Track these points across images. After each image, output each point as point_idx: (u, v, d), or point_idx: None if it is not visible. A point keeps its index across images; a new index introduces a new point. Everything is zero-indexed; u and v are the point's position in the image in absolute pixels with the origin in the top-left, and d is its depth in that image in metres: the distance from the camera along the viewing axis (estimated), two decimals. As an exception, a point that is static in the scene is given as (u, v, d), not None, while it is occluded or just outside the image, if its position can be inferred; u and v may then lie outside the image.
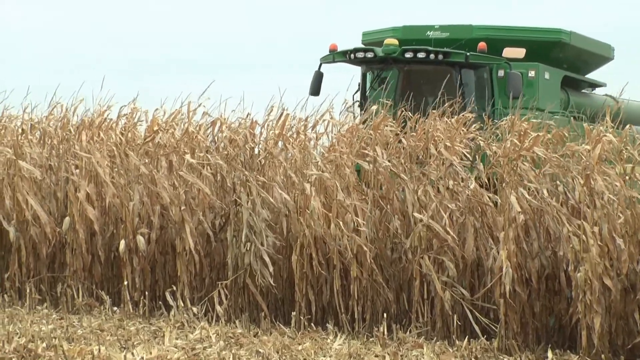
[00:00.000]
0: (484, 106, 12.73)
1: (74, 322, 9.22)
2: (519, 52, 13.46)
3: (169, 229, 10.53)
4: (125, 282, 10.05)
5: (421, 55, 12.91)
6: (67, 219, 10.56)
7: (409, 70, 13.52)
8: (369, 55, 13.19)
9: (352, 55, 13.33)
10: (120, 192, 10.60)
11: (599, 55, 15.51)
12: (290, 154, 10.55)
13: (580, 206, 8.88)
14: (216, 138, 11.25)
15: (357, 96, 13.72)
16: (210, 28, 35.83)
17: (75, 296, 10.05)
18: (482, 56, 13.19)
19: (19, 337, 8.19)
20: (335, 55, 13.55)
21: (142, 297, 9.90)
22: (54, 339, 8.21)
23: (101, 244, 10.62)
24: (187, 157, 10.55)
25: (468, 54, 12.99)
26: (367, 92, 13.58)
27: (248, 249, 9.77)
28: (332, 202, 9.75)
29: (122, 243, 10.24)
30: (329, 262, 9.67)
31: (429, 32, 13.99)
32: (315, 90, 13.76)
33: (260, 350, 8.19)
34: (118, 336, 8.58)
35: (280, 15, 36.41)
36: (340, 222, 9.56)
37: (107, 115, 11.44)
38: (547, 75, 13.68)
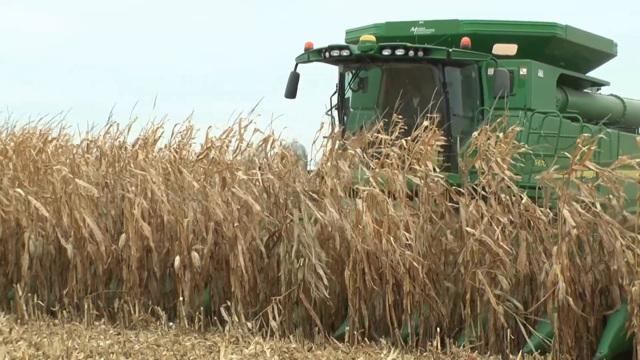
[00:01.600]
0: (472, 107, 12.26)
1: (131, 337, 9.36)
2: (510, 49, 12.45)
3: (223, 245, 10.66)
4: (181, 298, 10.17)
5: (400, 52, 11.94)
6: (123, 235, 10.73)
7: (393, 70, 12.70)
8: (345, 53, 12.20)
9: (327, 54, 12.31)
10: (175, 209, 10.76)
11: (600, 52, 14.40)
12: (341, 170, 10.63)
13: (633, 219, 8.88)
14: (268, 155, 11.43)
15: (335, 99, 12.74)
16: (257, 43, 36.00)
17: (132, 312, 10.19)
18: (465, 52, 12.15)
19: (77, 353, 8.35)
20: (310, 54, 12.51)
21: (197, 313, 10.01)
22: (111, 354, 8.36)
23: (156, 260, 10.78)
24: (240, 173, 10.68)
25: (450, 50, 12.00)
26: (346, 94, 12.73)
27: (301, 264, 9.85)
28: (383, 218, 9.81)
29: (177, 259, 10.36)
30: (381, 277, 9.69)
31: (413, 28, 12.99)
32: (291, 92, 12.80)
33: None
34: (174, 351, 8.70)
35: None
36: (392, 237, 9.62)
37: (161, 134, 11.67)
38: (540, 73, 12.85)
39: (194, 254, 10.36)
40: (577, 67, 14.00)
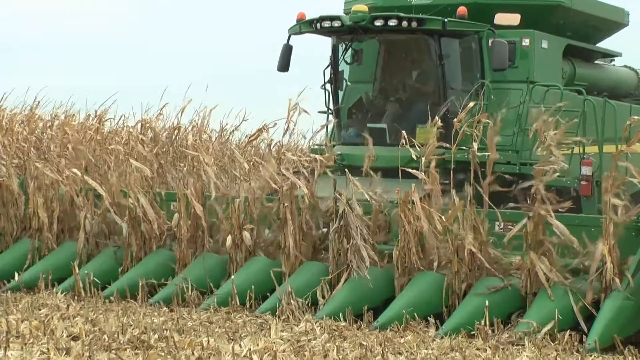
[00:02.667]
0: (472, 80, 11.90)
1: (184, 314, 9.57)
2: (513, 18, 11.98)
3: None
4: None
5: (392, 23, 11.46)
6: (175, 215, 10.95)
7: (388, 41, 12.30)
8: (336, 24, 11.76)
9: (318, 25, 11.92)
10: (227, 188, 10.94)
11: (610, 21, 13.85)
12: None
13: None
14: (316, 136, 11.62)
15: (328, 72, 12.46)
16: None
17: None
18: (462, 23, 11.75)
19: (132, 329, 8.56)
20: (302, 26, 12.12)
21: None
22: (165, 331, 8.57)
23: (208, 239, 10.98)
24: (289, 154, 10.81)
25: (446, 20, 11.59)
26: (340, 67, 12.44)
27: (350, 244, 9.92)
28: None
29: (229, 238, 10.57)
30: (427, 257, 9.71)
31: None
32: (284, 65, 12.48)
33: (363, 342, 8.36)
34: (226, 328, 8.88)
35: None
36: (439, 217, 9.64)
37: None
38: (544, 44, 12.35)
39: (245, 234, 10.55)
40: (586, 37, 13.53)
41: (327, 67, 12.32)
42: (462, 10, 11.71)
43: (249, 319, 9.37)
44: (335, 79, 12.30)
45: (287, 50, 12.36)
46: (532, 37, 12.13)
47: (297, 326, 8.98)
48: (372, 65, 12.48)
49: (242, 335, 8.60)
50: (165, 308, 9.96)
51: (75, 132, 13.56)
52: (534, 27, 12.27)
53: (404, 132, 10.74)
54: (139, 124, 12.79)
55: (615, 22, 14.00)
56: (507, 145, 11.64)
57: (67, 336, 8.14)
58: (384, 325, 9.02)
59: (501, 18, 11.93)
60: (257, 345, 8.02)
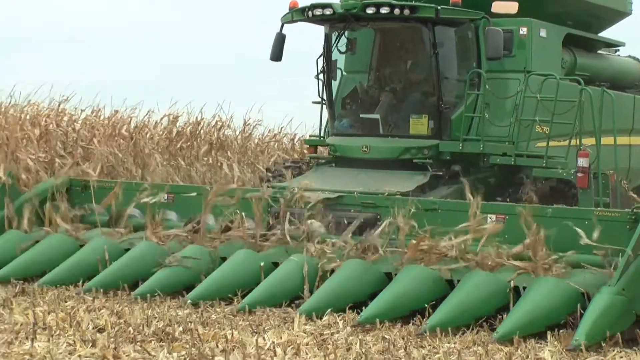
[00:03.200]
0: (468, 70, 11.75)
1: (208, 307, 9.65)
2: (511, 7, 11.78)
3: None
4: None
5: (384, 10, 11.31)
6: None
7: (383, 30, 12.18)
8: (328, 12, 11.62)
9: (309, 13, 11.79)
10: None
11: (612, 10, 13.67)
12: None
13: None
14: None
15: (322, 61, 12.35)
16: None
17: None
18: (456, 10, 11.59)
19: (157, 321, 8.66)
20: (294, 14, 11.99)
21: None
22: (189, 323, 8.67)
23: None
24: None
25: (439, 8, 11.42)
26: (333, 56, 12.29)
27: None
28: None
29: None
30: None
31: None
32: (276, 55, 12.38)
33: (386, 336, 8.42)
34: (250, 321, 8.97)
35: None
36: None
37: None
38: (543, 33, 12.17)
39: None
40: (587, 26, 13.33)
41: (319, 56, 12.23)
42: None
43: (272, 312, 9.44)
44: (328, 69, 12.21)
45: (280, 39, 12.27)
46: (530, 26, 12.00)
47: (320, 319, 9.04)
48: (366, 54, 12.41)
49: (265, 329, 8.69)
50: (189, 301, 10.03)
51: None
52: (532, 16, 12.10)
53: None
54: (165, 118, 12.95)
55: (617, 11, 13.75)
56: (503, 136, 11.61)
57: (93, 328, 8.28)
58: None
59: (499, 6, 11.79)
60: (281, 338, 8.12)
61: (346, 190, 10.63)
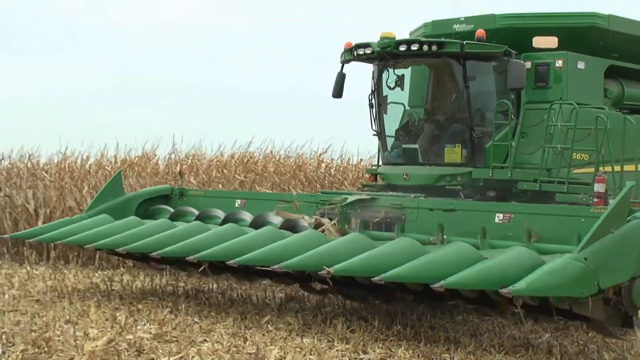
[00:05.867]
0: (511, 103, 11.97)
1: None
2: (551, 42, 12.15)
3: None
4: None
5: (415, 47, 11.94)
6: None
7: (425, 66, 12.76)
8: (368, 51, 12.31)
9: (355, 53, 12.51)
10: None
11: None
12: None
13: None
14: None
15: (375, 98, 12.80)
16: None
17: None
18: (480, 45, 12.02)
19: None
20: (346, 54, 12.72)
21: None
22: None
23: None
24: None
25: (464, 43, 11.92)
26: (383, 92, 12.72)
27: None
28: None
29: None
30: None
31: (455, 25, 12.97)
32: (337, 92, 13.03)
33: (580, 340, 9.60)
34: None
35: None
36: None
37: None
38: (581, 65, 12.37)
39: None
40: (636, 57, 13.26)
41: (371, 93, 12.86)
42: (480, 32, 12.13)
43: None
44: (377, 103, 12.82)
45: (340, 78, 13.01)
46: (566, 58, 12.24)
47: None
48: (412, 90, 13.07)
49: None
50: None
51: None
52: (573, 49, 12.35)
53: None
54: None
55: None
56: (537, 163, 11.80)
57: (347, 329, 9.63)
58: None
59: (539, 41, 12.26)
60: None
61: (377, 194, 11.69)
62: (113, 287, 12.73)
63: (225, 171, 18.47)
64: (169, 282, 13.42)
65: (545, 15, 12.76)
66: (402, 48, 12.02)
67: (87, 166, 18.32)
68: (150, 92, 39.07)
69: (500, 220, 9.69)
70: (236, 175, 17.89)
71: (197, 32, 43.39)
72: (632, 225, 8.54)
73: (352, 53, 12.55)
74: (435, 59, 12.32)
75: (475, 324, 10.77)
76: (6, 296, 11.71)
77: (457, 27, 12.82)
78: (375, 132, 13.04)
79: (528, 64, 12.16)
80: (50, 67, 40.16)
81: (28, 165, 18.00)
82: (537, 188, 11.63)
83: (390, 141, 12.95)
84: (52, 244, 15.17)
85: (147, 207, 12.82)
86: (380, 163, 13.31)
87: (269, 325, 9.91)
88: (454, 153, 12.10)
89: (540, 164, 11.61)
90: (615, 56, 12.94)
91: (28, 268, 15.01)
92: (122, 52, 42.20)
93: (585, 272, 8.17)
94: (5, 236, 13.89)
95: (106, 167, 18.07)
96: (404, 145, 12.61)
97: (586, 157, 11.42)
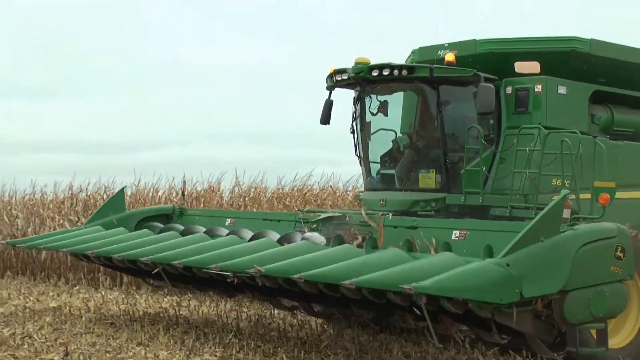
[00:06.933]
0: (488, 127, 11.81)
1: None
2: (533, 67, 11.94)
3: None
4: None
5: (386, 72, 11.73)
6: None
7: (410, 91, 12.43)
8: (344, 76, 12.13)
9: (334, 78, 12.32)
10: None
11: None
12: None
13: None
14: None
15: (357, 125, 12.55)
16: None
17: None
18: (448, 69, 11.73)
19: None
20: (328, 80, 12.52)
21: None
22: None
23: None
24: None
25: (433, 67, 11.67)
26: (367, 118, 12.47)
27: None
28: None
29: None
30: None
31: (440, 51, 12.69)
32: (324, 119, 12.81)
33: None
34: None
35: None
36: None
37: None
38: (562, 90, 11.94)
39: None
40: (625, 83, 12.81)
41: (354, 119, 12.64)
42: (449, 57, 11.94)
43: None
44: (360, 129, 12.60)
45: (328, 105, 12.80)
46: (545, 83, 11.84)
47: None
48: (402, 116, 12.88)
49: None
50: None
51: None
52: (556, 74, 11.97)
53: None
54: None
55: None
56: (515, 189, 11.47)
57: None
58: None
59: (521, 67, 12.05)
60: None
61: (348, 211, 11.83)
62: (181, 312, 13.45)
63: (286, 202, 19.30)
64: (232, 308, 14.07)
65: (525, 40, 12.49)
66: (375, 73, 11.87)
67: (157, 198, 19.30)
68: (220, 133, 40.22)
69: (456, 237, 9.56)
70: (296, 207, 18.61)
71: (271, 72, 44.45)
72: (565, 236, 8.39)
73: (332, 79, 12.44)
74: (408, 84, 12.16)
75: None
76: (83, 319, 12.44)
77: (441, 53, 12.57)
78: (358, 158, 12.85)
79: (509, 89, 11.97)
80: (130, 107, 41.58)
81: (104, 197, 19.04)
82: (508, 214, 11.29)
83: (376, 167, 12.78)
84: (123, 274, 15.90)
85: (147, 224, 13.01)
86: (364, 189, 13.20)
87: (327, 350, 10.32)
88: (428, 178, 11.91)
89: (511, 188, 11.28)
90: (603, 81, 12.60)
91: (103, 293, 15.90)
92: (198, 90, 43.51)
93: (505, 277, 7.92)
94: (2, 242, 15.20)
95: (174, 200, 19.01)
96: (381, 171, 12.53)
97: (567, 182, 10.81)
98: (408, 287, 7.56)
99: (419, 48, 13.25)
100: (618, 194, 11.03)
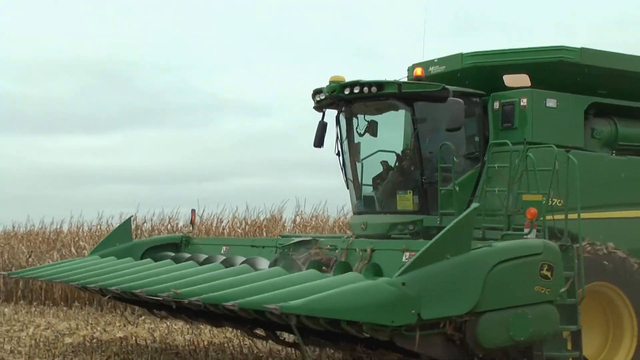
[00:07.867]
0: (473, 144, 11.27)
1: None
2: (522, 80, 11.30)
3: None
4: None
5: (357, 90, 11.28)
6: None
7: (385, 109, 11.64)
8: (322, 96, 11.69)
9: (315, 99, 11.93)
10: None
11: None
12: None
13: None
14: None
15: (345, 146, 11.99)
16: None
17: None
18: (416, 84, 11.16)
19: None
20: (313, 101, 12.08)
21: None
22: None
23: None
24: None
25: (401, 82, 11.14)
26: (355, 140, 11.88)
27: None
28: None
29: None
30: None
31: (430, 67, 12.21)
32: (318, 141, 12.20)
33: None
34: None
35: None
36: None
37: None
38: (551, 103, 11.17)
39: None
40: (630, 94, 11.97)
41: (338, 140, 12.09)
42: (417, 71, 11.45)
43: None
44: (342, 151, 12.14)
45: (321, 127, 12.23)
46: (531, 96, 11.12)
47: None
48: (404, 136, 12.01)
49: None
50: None
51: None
52: (546, 87, 11.25)
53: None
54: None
55: None
56: (499, 210, 10.45)
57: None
58: None
59: (510, 80, 11.46)
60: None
61: (318, 236, 11.89)
62: (245, 342, 13.64)
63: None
64: (295, 341, 14.23)
65: (511, 52, 11.68)
66: (347, 91, 11.41)
67: (221, 228, 19.56)
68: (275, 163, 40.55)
69: (406, 259, 8.97)
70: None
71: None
72: (476, 254, 7.91)
73: (313, 99, 12.04)
74: (382, 102, 11.44)
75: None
76: (149, 349, 12.70)
77: (432, 70, 12.16)
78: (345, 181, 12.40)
79: (496, 104, 11.33)
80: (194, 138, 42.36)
81: (168, 227, 19.37)
82: (480, 236, 10.26)
83: (361, 190, 12.22)
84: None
85: (154, 254, 12.97)
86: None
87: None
88: (405, 200, 11.33)
89: (485, 209, 10.34)
90: (603, 93, 11.71)
91: (168, 323, 16.12)
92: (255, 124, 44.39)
93: (398, 298, 7.47)
94: (3, 273, 15.87)
95: (237, 229, 19.26)
96: (363, 194, 12.08)
97: (559, 202, 9.87)
98: (273, 307, 7.30)
99: (413, 65, 12.66)
100: (620, 213, 10.69)
